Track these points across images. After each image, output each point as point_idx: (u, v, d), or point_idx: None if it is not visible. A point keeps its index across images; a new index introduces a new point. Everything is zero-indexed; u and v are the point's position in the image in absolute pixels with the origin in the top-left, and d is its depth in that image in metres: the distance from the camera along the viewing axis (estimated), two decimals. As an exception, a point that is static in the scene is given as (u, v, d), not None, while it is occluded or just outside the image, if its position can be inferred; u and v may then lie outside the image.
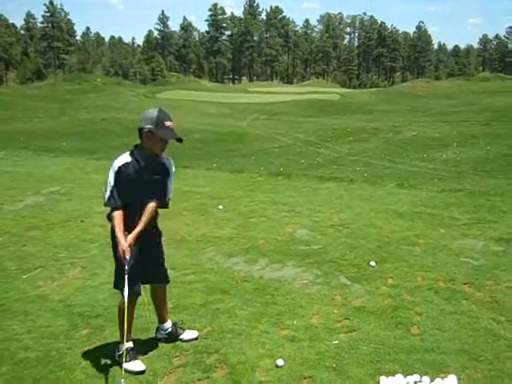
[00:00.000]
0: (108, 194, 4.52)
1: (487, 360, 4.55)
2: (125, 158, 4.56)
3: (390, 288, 6.19)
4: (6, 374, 4.56)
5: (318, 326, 5.28)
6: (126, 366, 4.54)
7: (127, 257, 4.48)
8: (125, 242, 4.48)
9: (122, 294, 4.56)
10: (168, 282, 5.10)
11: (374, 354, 4.69)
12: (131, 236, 4.53)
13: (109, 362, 4.70)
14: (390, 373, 4.34)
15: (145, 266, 4.76)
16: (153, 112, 4.55)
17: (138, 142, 4.62)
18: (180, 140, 4.56)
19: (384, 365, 4.51)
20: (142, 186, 4.56)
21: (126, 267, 4.50)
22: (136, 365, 4.61)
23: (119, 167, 4.52)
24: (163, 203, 4.73)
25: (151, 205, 4.62)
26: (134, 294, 4.72)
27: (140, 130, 4.54)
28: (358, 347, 4.83)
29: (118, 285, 4.65)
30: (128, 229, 4.56)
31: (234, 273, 6.81)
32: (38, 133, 28.76)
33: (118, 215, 4.54)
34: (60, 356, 4.79)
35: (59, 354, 4.83)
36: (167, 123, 4.53)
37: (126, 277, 4.49)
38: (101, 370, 4.57)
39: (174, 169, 4.75)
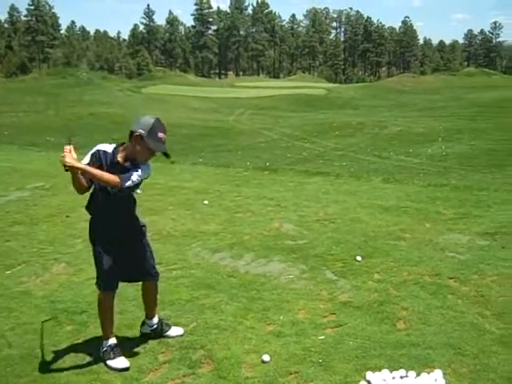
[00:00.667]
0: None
1: (473, 354, 4.56)
2: (108, 147, 4.50)
3: (376, 283, 6.19)
4: (-11, 371, 4.50)
5: (304, 322, 5.26)
6: (109, 363, 4.54)
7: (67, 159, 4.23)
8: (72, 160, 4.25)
9: (99, 287, 4.67)
10: (156, 276, 4.98)
11: (360, 349, 4.68)
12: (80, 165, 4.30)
13: (93, 358, 4.65)
14: (376, 368, 4.33)
15: (128, 263, 4.72)
16: (149, 119, 4.43)
17: (127, 141, 4.51)
18: (167, 155, 4.50)
19: (370, 360, 4.50)
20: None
21: (103, 260, 4.59)
22: (120, 362, 4.56)
23: (98, 150, 4.47)
24: (119, 187, 4.41)
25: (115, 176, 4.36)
26: (109, 290, 4.69)
27: (132, 132, 4.41)
28: (344, 342, 4.82)
29: (97, 276, 4.71)
30: (108, 221, 4.59)
31: (219, 268, 6.78)
32: (24, 127, 28.57)
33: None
34: (44, 353, 4.73)
35: (43, 350, 4.78)
36: (160, 134, 4.42)
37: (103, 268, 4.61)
38: (85, 367, 4.52)
39: (149, 169, 4.56)
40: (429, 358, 4.52)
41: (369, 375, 4.22)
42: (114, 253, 4.62)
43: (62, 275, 6.64)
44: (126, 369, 4.50)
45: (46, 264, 7.01)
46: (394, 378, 4.20)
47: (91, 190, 4.58)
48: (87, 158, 4.45)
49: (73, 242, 7.89)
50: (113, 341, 4.70)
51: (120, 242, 4.65)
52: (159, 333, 5.03)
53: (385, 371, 4.25)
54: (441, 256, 7.00)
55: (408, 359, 4.49)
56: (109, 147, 4.50)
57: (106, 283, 4.63)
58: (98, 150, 4.48)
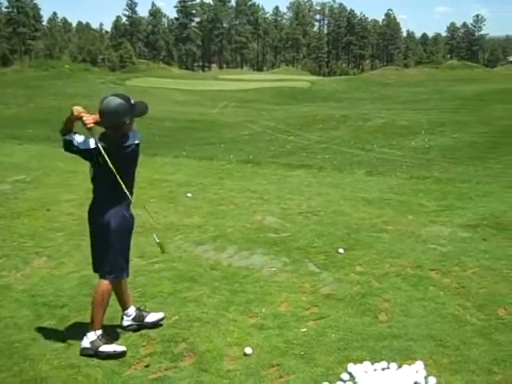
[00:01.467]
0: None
1: (454, 346, 4.58)
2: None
3: (358, 275, 6.21)
4: (-32, 366, 4.45)
5: (286, 314, 5.26)
6: (104, 348, 4.53)
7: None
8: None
9: (119, 275, 4.72)
10: None
11: (342, 342, 4.69)
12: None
13: (74, 352, 4.61)
14: (358, 360, 4.35)
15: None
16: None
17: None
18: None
19: (352, 352, 4.51)
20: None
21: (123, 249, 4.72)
22: (115, 346, 4.59)
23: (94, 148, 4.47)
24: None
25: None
26: (122, 278, 4.84)
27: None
28: (327, 335, 4.83)
29: (115, 267, 4.70)
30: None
31: (202, 261, 6.76)
32: (4, 119, 28.28)
33: None
34: (24, 347, 4.69)
35: (23, 345, 4.73)
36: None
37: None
38: (66, 361, 4.48)
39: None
40: (410, 349, 4.54)
41: (350, 367, 4.23)
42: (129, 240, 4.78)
43: (42, 269, 6.58)
44: (124, 352, 4.53)
45: (26, 258, 6.94)
46: (375, 369, 4.21)
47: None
48: (92, 143, 4.46)
49: (54, 235, 7.83)
50: (100, 331, 4.68)
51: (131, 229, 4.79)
52: (139, 320, 5.03)
53: (366, 363, 4.27)
54: (423, 248, 7.04)
55: (390, 351, 4.51)
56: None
57: (123, 272, 4.77)
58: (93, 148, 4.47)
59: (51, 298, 5.68)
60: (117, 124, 4.46)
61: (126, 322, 5.06)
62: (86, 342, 4.60)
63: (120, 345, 4.70)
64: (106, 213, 4.61)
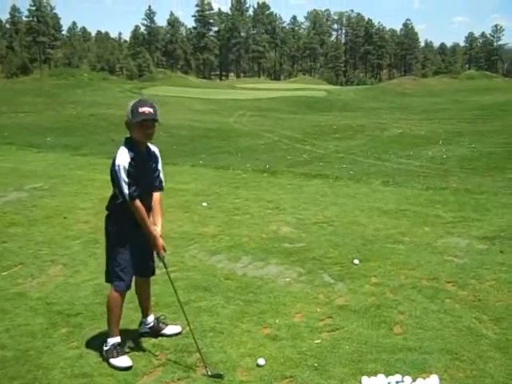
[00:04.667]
0: (126, 189, 4.50)
1: (470, 360, 4.53)
2: (124, 153, 4.53)
3: (373, 286, 6.17)
4: (-18, 373, 4.47)
5: (300, 325, 5.24)
6: (112, 361, 4.57)
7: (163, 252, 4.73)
8: (158, 235, 4.70)
9: (118, 285, 4.69)
10: (154, 273, 5.12)
11: (356, 354, 4.65)
12: (160, 229, 4.75)
13: (87, 361, 4.62)
14: (372, 372, 4.31)
15: (138, 258, 4.80)
16: (130, 103, 4.62)
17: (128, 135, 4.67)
18: (155, 120, 4.59)
19: (366, 364, 4.47)
20: (145, 175, 4.65)
21: (123, 259, 4.68)
22: (123, 360, 4.58)
23: (125, 164, 4.49)
24: (163, 190, 4.96)
25: (158, 195, 4.89)
26: (129, 287, 4.80)
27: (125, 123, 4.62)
28: (341, 346, 4.79)
29: (112, 277, 4.72)
30: (135, 221, 4.66)
31: (216, 270, 6.75)
32: (23, 128, 28.48)
33: (142, 207, 4.60)
34: (38, 355, 4.71)
35: (37, 353, 4.75)
36: (141, 109, 4.54)
37: (124, 268, 4.69)
38: (79, 370, 4.49)
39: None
40: (425, 362, 4.49)
41: (364, 380, 4.20)
42: (131, 250, 4.74)
43: (58, 277, 6.62)
44: (129, 367, 4.51)
45: (42, 266, 6.98)
46: (389, 383, 4.18)
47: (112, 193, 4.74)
48: (124, 175, 4.49)
49: (70, 243, 7.87)
50: (117, 339, 4.72)
51: (138, 238, 4.74)
52: (156, 331, 5.07)
53: (380, 376, 4.23)
54: (439, 260, 6.97)
55: (404, 364, 4.47)
56: (124, 153, 4.54)
57: (124, 281, 4.72)
58: (127, 164, 4.49)
59: (66, 306, 5.70)
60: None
61: (143, 329, 5.12)
62: (104, 348, 4.68)
63: (134, 352, 4.74)
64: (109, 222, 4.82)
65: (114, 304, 4.73)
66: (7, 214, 9.52)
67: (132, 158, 4.51)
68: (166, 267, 4.80)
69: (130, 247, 4.71)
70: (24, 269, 6.89)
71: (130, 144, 4.59)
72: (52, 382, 4.32)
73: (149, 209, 4.74)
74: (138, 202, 4.56)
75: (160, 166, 4.90)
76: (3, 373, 4.45)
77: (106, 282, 4.89)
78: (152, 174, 4.80)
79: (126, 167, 4.47)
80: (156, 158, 4.85)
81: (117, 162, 4.50)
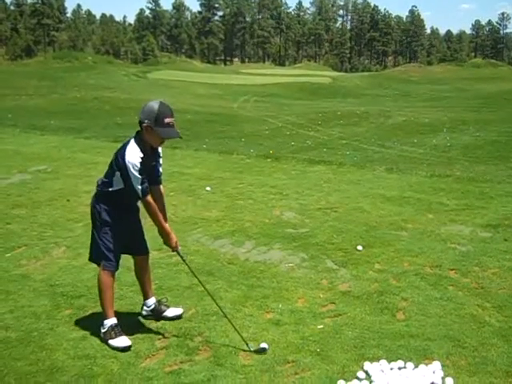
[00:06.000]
0: (139, 186, 4.50)
1: (472, 347, 4.53)
2: (135, 151, 4.48)
3: (376, 273, 6.17)
4: (-14, 354, 4.49)
5: (303, 310, 5.24)
6: (111, 342, 4.59)
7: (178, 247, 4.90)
8: (170, 232, 4.83)
9: (106, 265, 4.70)
10: (148, 252, 5.16)
11: (358, 339, 4.66)
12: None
13: (90, 343, 4.64)
14: (375, 358, 4.32)
15: (127, 239, 4.84)
16: (153, 106, 4.47)
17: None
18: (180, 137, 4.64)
19: (368, 350, 4.48)
20: (149, 171, 4.66)
21: (110, 239, 4.70)
22: (121, 340, 4.59)
23: (136, 163, 4.45)
24: (161, 183, 4.96)
25: (162, 188, 4.96)
26: (117, 267, 4.79)
27: (140, 122, 4.50)
28: (343, 332, 4.80)
29: (100, 257, 4.74)
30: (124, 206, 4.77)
31: (219, 255, 6.76)
32: (27, 110, 28.42)
33: (154, 203, 4.63)
34: (41, 336, 4.73)
35: (40, 334, 4.77)
36: (167, 120, 4.45)
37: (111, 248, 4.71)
38: (82, 351, 4.51)
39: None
40: (427, 349, 4.50)
41: (367, 365, 4.20)
42: (119, 231, 4.74)
43: (61, 259, 6.64)
44: (128, 347, 4.53)
45: (46, 247, 7.00)
46: (391, 368, 4.18)
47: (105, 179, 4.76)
48: (137, 174, 4.46)
49: (73, 226, 7.89)
50: (113, 320, 4.73)
51: (125, 219, 4.78)
52: (158, 313, 5.09)
53: (383, 362, 4.24)
54: (442, 247, 6.96)
55: (406, 350, 4.47)
56: (135, 150, 4.49)
57: (112, 261, 4.72)
58: (139, 163, 4.47)
59: (69, 288, 5.73)
60: None
61: (145, 312, 5.15)
62: (102, 330, 4.70)
63: (137, 335, 4.76)
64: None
65: (105, 285, 4.73)
66: (11, 195, 9.54)
67: (141, 158, 4.48)
68: (184, 261, 4.94)
69: (117, 227, 4.72)
70: (28, 250, 6.91)
71: (140, 144, 4.53)
72: (55, 363, 4.33)
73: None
74: (150, 198, 4.57)
75: (161, 160, 4.89)
76: (7, 353, 4.47)
77: (89, 260, 4.95)
78: (154, 169, 4.79)
79: (138, 166, 4.44)
80: (159, 153, 4.85)
81: (127, 159, 4.45)
